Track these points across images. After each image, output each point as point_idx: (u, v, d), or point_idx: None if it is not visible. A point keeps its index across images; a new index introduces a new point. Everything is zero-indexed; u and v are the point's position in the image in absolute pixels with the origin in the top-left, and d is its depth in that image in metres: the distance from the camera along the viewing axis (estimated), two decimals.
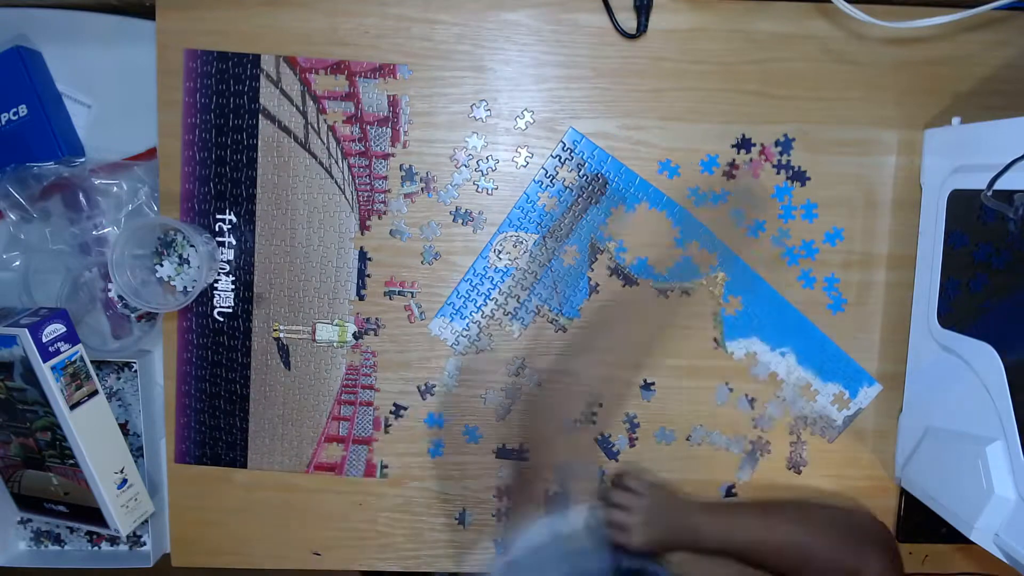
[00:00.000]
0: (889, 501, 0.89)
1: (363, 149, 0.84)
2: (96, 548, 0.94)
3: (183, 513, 0.90)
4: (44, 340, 0.76)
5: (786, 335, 0.87)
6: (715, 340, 0.87)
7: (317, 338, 0.87)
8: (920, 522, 0.87)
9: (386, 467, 0.89)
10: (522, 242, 0.86)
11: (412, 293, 0.87)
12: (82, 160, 0.85)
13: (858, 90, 0.84)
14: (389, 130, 0.84)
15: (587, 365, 0.84)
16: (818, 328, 0.86)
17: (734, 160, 0.85)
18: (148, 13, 0.82)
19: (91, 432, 0.80)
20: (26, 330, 0.75)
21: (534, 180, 0.85)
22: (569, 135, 0.84)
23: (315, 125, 0.84)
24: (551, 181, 0.85)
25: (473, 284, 0.86)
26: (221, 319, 0.86)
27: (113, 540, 0.94)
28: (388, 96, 0.83)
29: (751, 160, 0.85)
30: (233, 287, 0.86)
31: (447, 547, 0.90)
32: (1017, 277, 0.66)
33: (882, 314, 0.87)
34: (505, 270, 0.86)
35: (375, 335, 0.87)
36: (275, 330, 0.87)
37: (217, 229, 0.85)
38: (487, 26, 0.83)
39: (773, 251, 0.86)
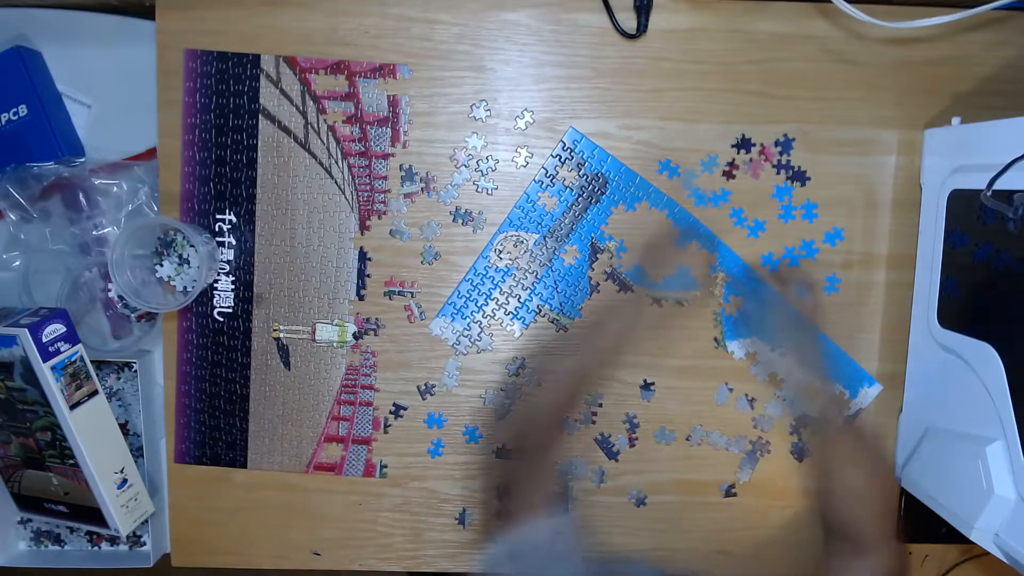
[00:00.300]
0: (889, 501, 0.89)
1: (363, 149, 0.84)
2: (96, 548, 0.94)
3: (183, 513, 0.90)
4: (44, 340, 0.76)
5: (786, 335, 0.87)
6: (715, 340, 0.87)
7: (317, 338, 0.87)
8: (920, 522, 0.87)
9: (386, 467, 0.89)
10: (523, 242, 0.86)
11: (412, 293, 0.87)
12: (82, 160, 0.85)
13: (858, 90, 0.84)
14: (389, 130, 0.84)
15: (587, 365, 0.84)
16: (818, 328, 0.86)
17: (734, 160, 0.85)
18: (148, 13, 0.82)
19: (91, 432, 0.80)
20: (26, 330, 0.75)
21: (534, 180, 0.85)
22: (569, 135, 0.84)
23: (315, 125, 0.84)
24: (551, 181, 0.85)
25: (474, 284, 0.86)
26: (221, 319, 0.86)
27: (113, 540, 0.94)
28: (388, 96, 0.83)
29: (751, 160, 0.85)
30: (233, 287, 0.86)
31: (447, 547, 0.90)
32: (1017, 277, 0.66)
33: (882, 314, 0.87)
34: (506, 270, 0.86)
35: (375, 335, 0.87)
36: (275, 330, 0.87)
37: (217, 229, 0.85)
38: (487, 26, 0.83)
39: (773, 251, 0.86)
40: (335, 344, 0.87)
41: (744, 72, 0.83)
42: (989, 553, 0.68)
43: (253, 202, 0.85)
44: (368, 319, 0.87)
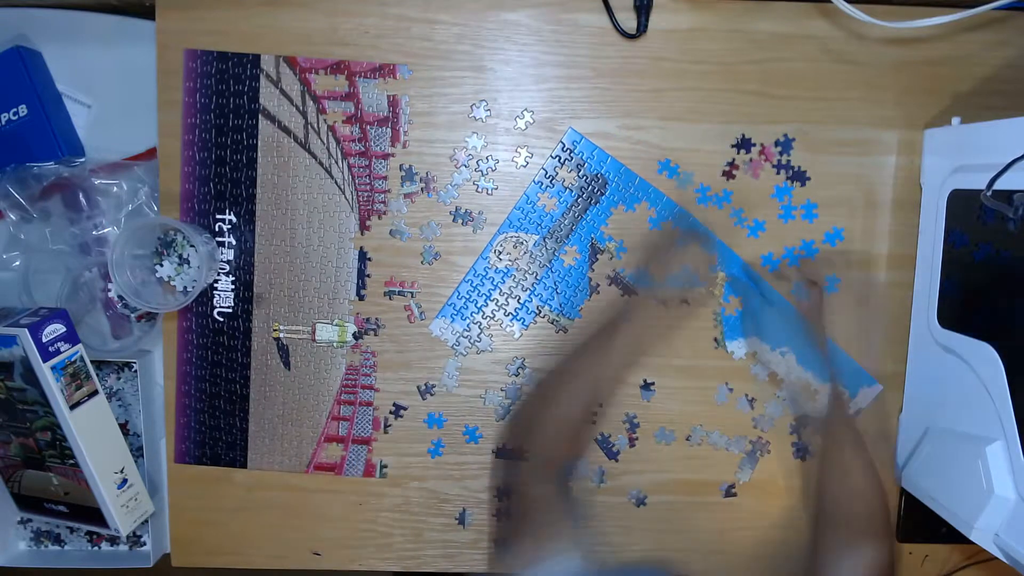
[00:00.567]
0: (889, 501, 0.89)
1: (363, 149, 0.84)
2: (96, 548, 0.94)
3: (183, 513, 0.90)
4: (44, 340, 0.76)
5: (786, 335, 0.87)
6: (715, 340, 0.87)
7: (317, 338, 0.87)
8: (920, 522, 0.87)
9: (386, 467, 0.89)
10: (522, 243, 0.86)
11: (412, 293, 0.87)
12: (82, 160, 0.85)
13: (858, 90, 0.84)
14: (389, 130, 0.84)
15: (587, 365, 0.84)
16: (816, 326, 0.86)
17: (734, 160, 0.85)
18: (148, 13, 0.82)
19: (91, 432, 0.80)
20: (26, 330, 0.75)
21: (534, 181, 0.85)
22: (569, 135, 0.84)
23: (315, 125, 0.84)
24: (551, 182, 0.85)
25: (474, 285, 0.86)
26: (221, 319, 0.86)
27: (113, 540, 0.94)
28: (388, 96, 0.83)
29: (751, 160, 0.85)
30: (233, 287, 0.86)
31: (447, 547, 0.90)
32: (1017, 277, 0.66)
33: (882, 314, 0.87)
34: (506, 270, 0.86)
35: (375, 335, 0.87)
36: (275, 330, 0.87)
37: (217, 229, 0.85)
38: (487, 26, 0.83)
39: (773, 251, 0.86)
40: (335, 344, 0.87)
41: (744, 72, 0.83)
42: (990, 557, 0.68)
43: (253, 202, 0.85)
44: (368, 319, 0.87)
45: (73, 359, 0.79)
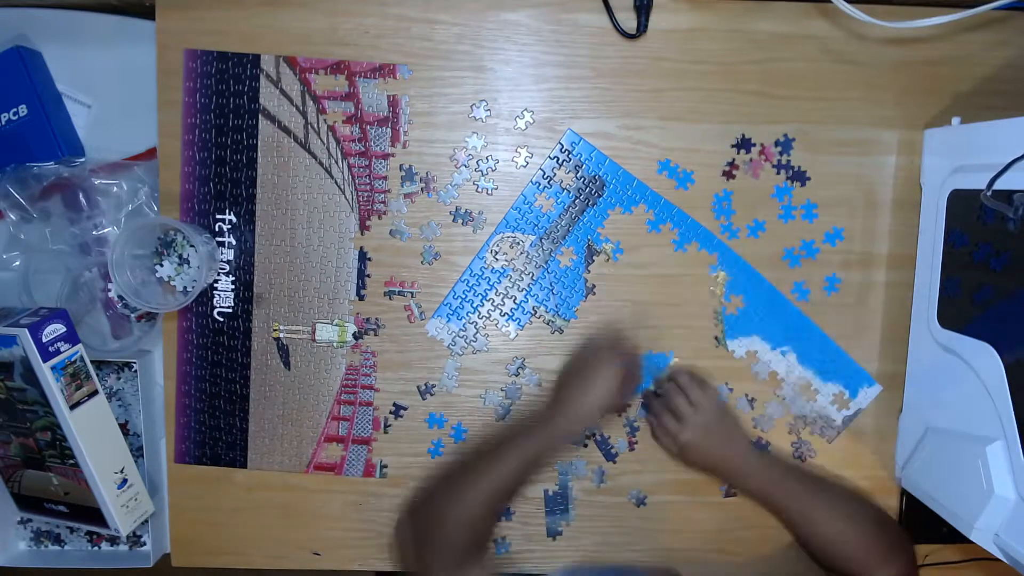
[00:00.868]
0: (889, 501, 0.89)
1: (363, 149, 0.84)
2: (96, 548, 0.94)
3: (183, 513, 0.90)
4: (44, 340, 0.76)
5: (786, 334, 0.87)
6: (716, 339, 0.87)
7: (317, 338, 0.87)
8: (920, 522, 0.87)
9: (385, 467, 0.89)
10: (519, 243, 0.86)
11: (412, 293, 0.87)
12: (82, 160, 0.85)
13: (858, 90, 0.84)
14: (389, 130, 0.84)
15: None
16: (818, 327, 0.87)
17: (734, 160, 0.85)
18: (148, 13, 0.82)
19: (91, 432, 0.80)
20: (26, 330, 0.75)
21: (531, 181, 0.85)
22: (567, 136, 0.84)
23: (315, 125, 0.84)
24: (548, 183, 0.85)
25: (470, 285, 0.86)
26: (221, 319, 0.86)
27: (113, 540, 0.94)
28: (388, 96, 0.83)
29: (751, 160, 0.85)
30: (233, 287, 0.86)
31: None
32: (1017, 277, 0.66)
33: (882, 314, 0.87)
34: (502, 271, 0.86)
35: (375, 335, 0.87)
36: (275, 330, 0.87)
37: (217, 229, 0.85)
38: (487, 26, 0.83)
39: (773, 251, 0.86)
40: (335, 344, 0.87)
41: (744, 72, 0.83)
42: (990, 557, 0.68)
43: (253, 202, 0.85)
44: (368, 319, 0.87)
45: (73, 359, 0.79)
